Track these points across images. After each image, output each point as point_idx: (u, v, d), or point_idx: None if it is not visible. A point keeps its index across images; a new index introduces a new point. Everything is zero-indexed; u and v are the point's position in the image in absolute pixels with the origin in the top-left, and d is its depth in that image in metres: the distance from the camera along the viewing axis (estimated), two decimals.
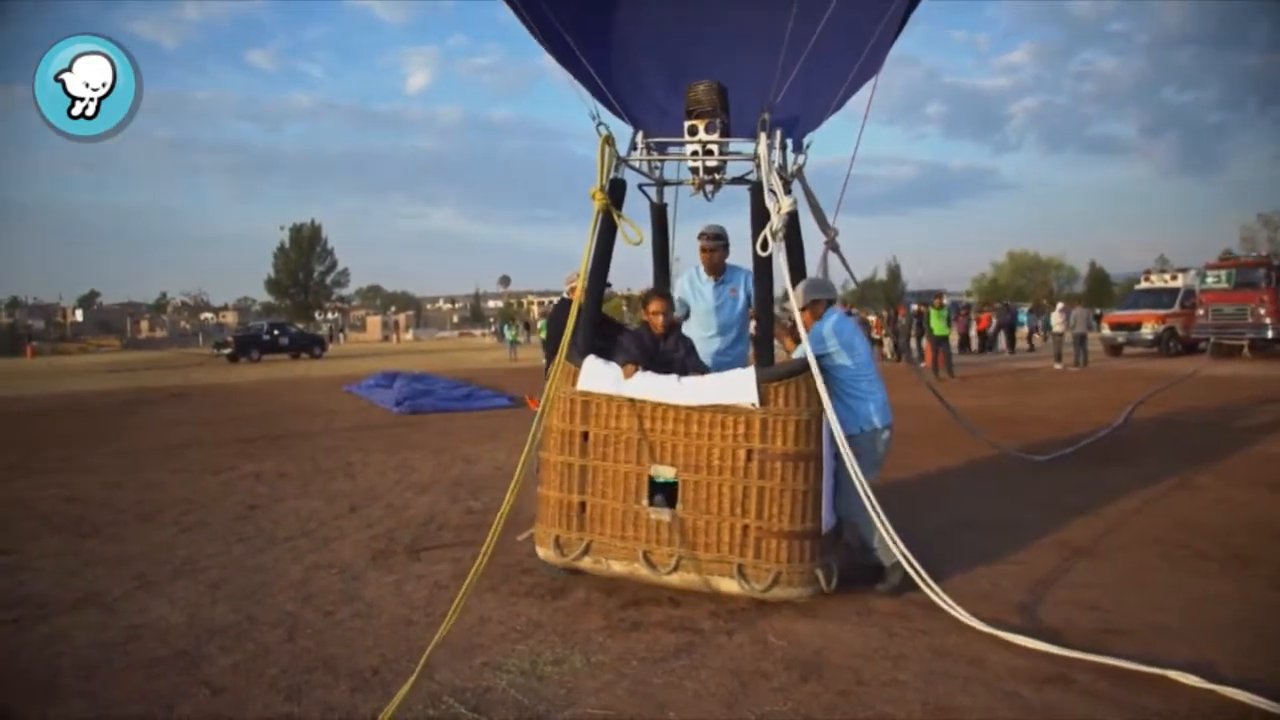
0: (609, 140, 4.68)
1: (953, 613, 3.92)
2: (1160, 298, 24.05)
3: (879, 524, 4.15)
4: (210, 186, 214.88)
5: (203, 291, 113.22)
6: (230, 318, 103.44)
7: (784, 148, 4.79)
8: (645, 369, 4.48)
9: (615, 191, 4.78)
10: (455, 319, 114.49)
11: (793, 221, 4.92)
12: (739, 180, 4.84)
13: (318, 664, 3.80)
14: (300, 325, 52.57)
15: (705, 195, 5.03)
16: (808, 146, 5.09)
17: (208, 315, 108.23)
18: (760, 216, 4.41)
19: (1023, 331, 29.93)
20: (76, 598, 4.84)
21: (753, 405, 4.18)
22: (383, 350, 50.87)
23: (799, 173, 5.06)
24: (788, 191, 4.64)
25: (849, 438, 4.30)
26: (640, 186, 5.27)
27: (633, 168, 5.03)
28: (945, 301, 19.72)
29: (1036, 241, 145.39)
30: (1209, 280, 22.28)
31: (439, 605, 4.51)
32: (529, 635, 4.07)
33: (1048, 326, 28.14)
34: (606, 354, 4.65)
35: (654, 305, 4.75)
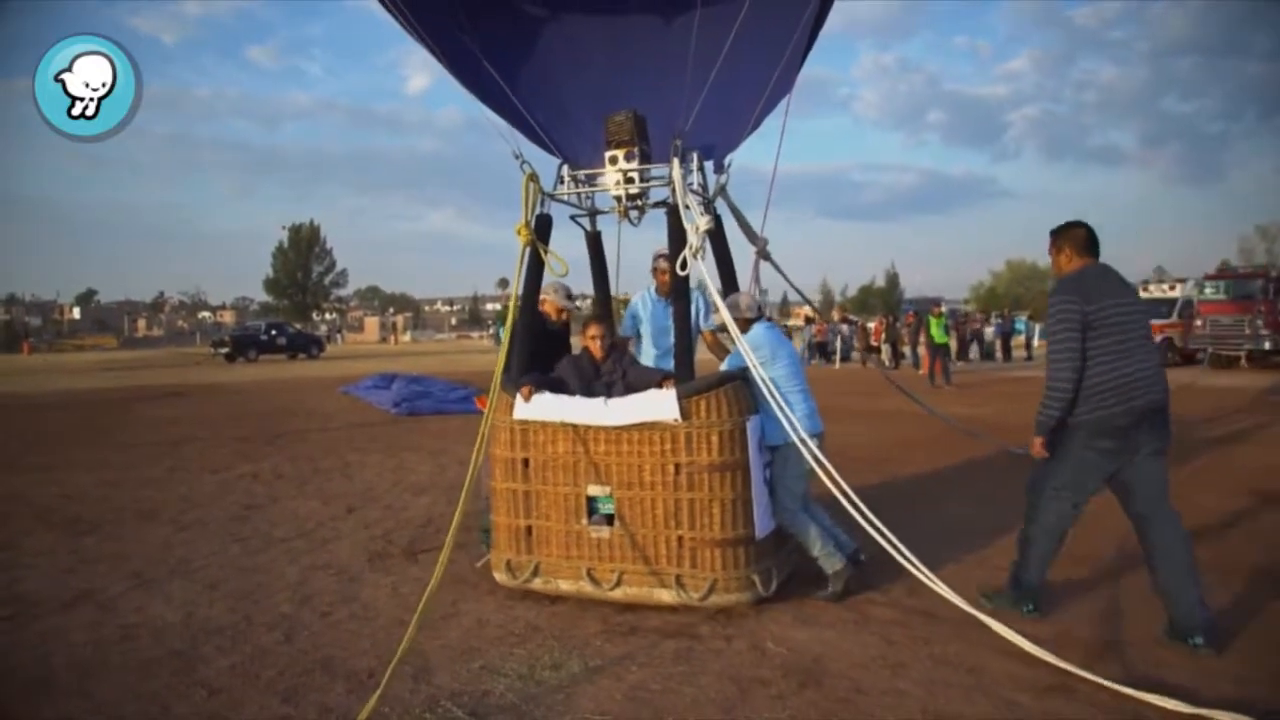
0: (533, 178, 4.85)
1: (937, 588, 3.82)
2: (1157, 308, 24.07)
3: (814, 528, 4.45)
4: (209, 184, 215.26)
5: (200, 290, 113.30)
6: (228, 317, 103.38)
7: (701, 169, 4.98)
8: (586, 393, 4.61)
9: (542, 226, 4.97)
10: (453, 321, 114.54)
11: (719, 237, 5.10)
12: (661, 204, 4.95)
13: (315, 665, 3.79)
14: (298, 325, 52.53)
15: (631, 221, 5.18)
16: (729, 166, 5.25)
17: (205, 314, 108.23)
18: (678, 237, 4.59)
19: (1019, 340, 29.91)
20: (72, 596, 4.82)
21: (675, 420, 4.28)
22: (380, 351, 50.85)
23: (722, 191, 5.21)
24: (710, 211, 4.85)
25: (774, 448, 4.50)
26: (572, 217, 5.41)
27: (561, 200, 5.18)
28: (943, 310, 19.76)
29: (1035, 250, 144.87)
30: (1207, 291, 22.33)
31: (436, 607, 4.48)
32: (527, 639, 4.06)
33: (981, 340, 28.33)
34: (550, 369, 4.84)
35: (592, 330, 4.85)
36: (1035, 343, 30.61)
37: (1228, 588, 4.62)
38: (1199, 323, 21.73)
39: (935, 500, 6.88)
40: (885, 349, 26.49)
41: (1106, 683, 3.32)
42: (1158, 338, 22.69)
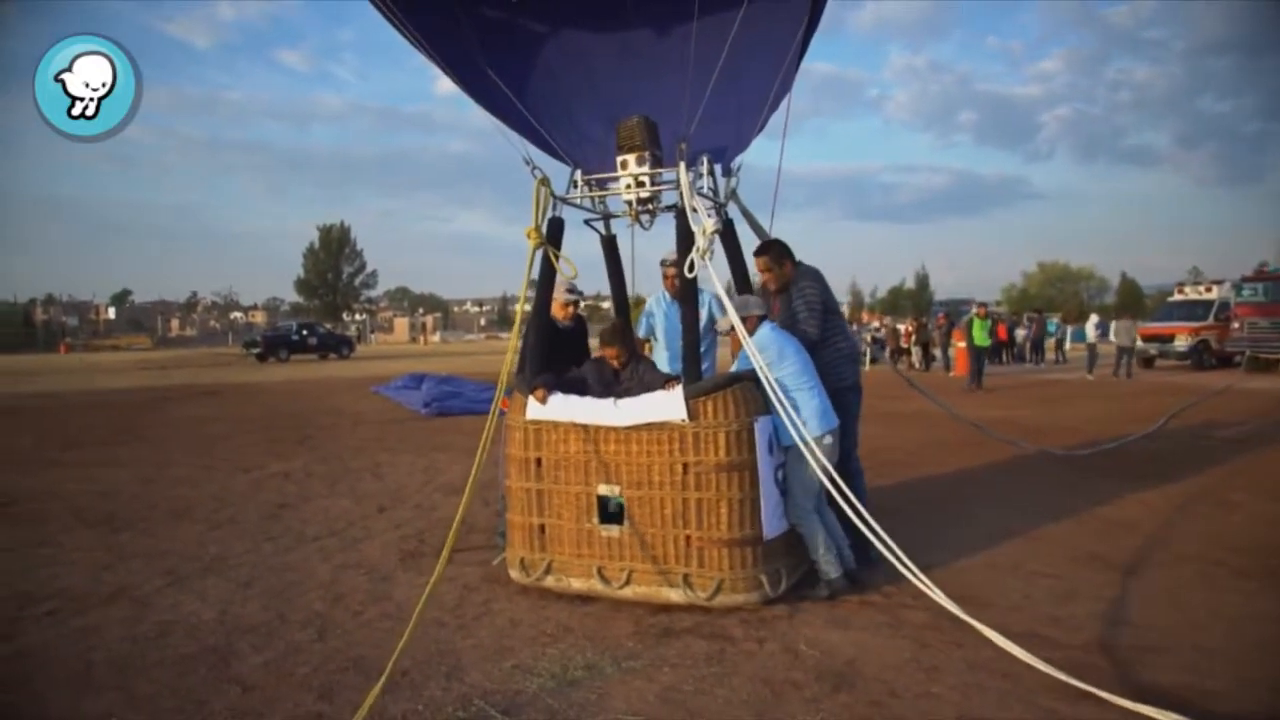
0: (544, 182, 4.94)
1: (932, 594, 3.76)
2: (1194, 310, 23.72)
3: (822, 532, 4.50)
4: (241, 186, 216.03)
5: (233, 291, 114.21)
6: (259, 317, 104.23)
7: (712, 173, 5.10)
8: (605, 395, 4.65)
9: (554, 230, 5.06)
10: (483, 322, 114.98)
11: (730, 237, 5.21)
12: (672, 208, 4.99)
13: (348, 664, 3.81)
14: (329, 326, 52.93)
15: (642, 224, 5.24)
16: (738, 169, 5.34)
17: (237, 315, 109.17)
18: (685, 239, 4.66)
19: (1051, 342, 29.56)
20: (109, 592, 4.89)
21: (683, 421, 4.32)
22: (410, 352, 51.17)
23: (733, 194, 5.33)
24: (720, 213, 5.01)
25: (786, 448, 4.52)
26: (586, 221, 5.48)
27: (573, 204, 5.25)
28: (986, 311, 19.52)
29: (1067, 252, 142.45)
30: (1244, 293, 21.97)
31: (469, 607, 4.52)
32: (559, 639, 4.06)
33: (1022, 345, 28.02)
34: (562, 370, 4.94)
35: (608, 351, 4.92)
36: (1068, 344, 30.28)
37: (1266, 595, 4.55)
38: (1236, 325, 21.39)
39: (967, 504, 6.78)
40: (916, 350, 26.31)
41: (1111, 697, 3.21)
42: (1194, 340, 22.40)
